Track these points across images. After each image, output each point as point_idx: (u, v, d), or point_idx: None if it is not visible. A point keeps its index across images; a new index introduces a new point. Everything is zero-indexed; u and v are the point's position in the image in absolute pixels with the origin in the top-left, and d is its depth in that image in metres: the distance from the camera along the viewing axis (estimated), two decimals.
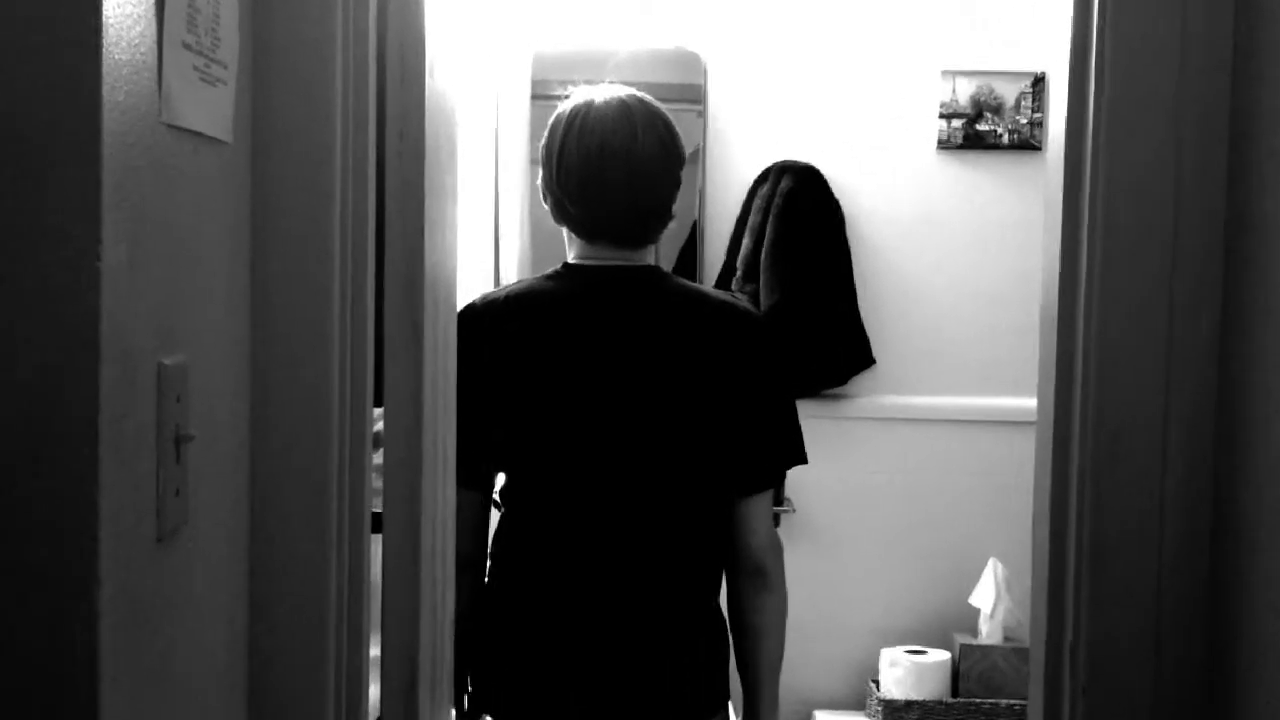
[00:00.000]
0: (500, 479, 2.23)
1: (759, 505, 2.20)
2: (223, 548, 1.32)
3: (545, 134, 2.21)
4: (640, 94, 2.21)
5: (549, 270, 2.22)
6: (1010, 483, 3.82)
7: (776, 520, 2.28)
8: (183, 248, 1.17)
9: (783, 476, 2.24)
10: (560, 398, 2.13)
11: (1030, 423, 1.84)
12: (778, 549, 2.23)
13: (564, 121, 2.18)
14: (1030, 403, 1.85)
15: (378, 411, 1.55)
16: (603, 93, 2.19)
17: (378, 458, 1.58)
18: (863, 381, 3.99)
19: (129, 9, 1.02)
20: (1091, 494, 1.63)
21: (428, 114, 1.55)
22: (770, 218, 3.85)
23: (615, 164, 2.13)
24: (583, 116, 2.16)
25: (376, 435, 1.57)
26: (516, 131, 3.64)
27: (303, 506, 1.39)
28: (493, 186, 3.53)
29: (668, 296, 2.18)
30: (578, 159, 2.14)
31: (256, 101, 1.36)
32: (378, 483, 1.56)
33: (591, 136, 2.14)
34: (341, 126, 1.40)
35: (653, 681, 2.13)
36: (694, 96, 3.90)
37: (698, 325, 2.16)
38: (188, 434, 1.16)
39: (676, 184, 2.20)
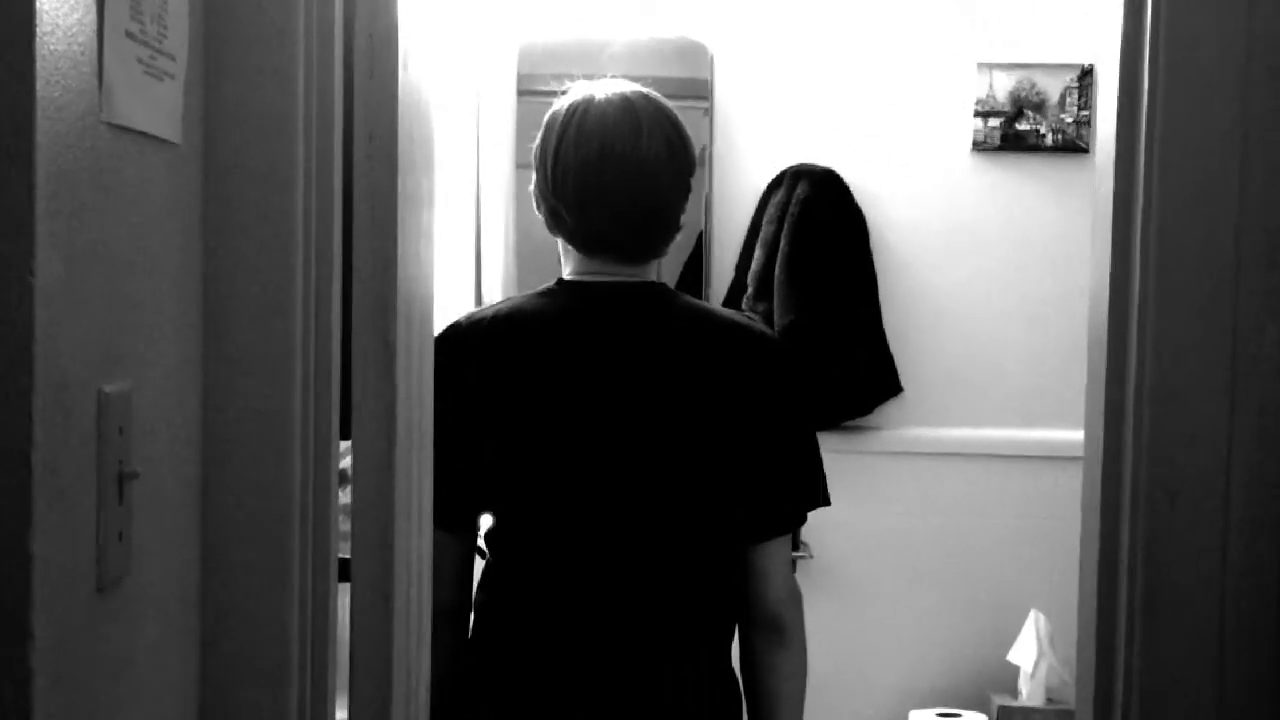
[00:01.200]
0: (486, 521, 2.23)
1: (776, 552, 2.19)
2: (172, 598, 1.31)
3: (539, 134, 2.21)
4: (646, 90, 2.20)
5: (541, 287, 2.22)
6: (1054, 526, 3.82)
7: (793, 567, 2.27)
8: (126, 261, 1.17)
9: (802, 520, 2.23)
10: (554, 429, 2.12)
11: (1076, 458, 1.83)
12: (796, 600, 2.22)
13: (560, 120, 2.17)
14: (1076, 435, 1.85)
15: (345, 444, 1.54)
16: (604, 89, 2.18)
17: (345, 497, 1.58)
18: (889, 411, 3.99)
19: None
20: (1145, 538, 1.63)
21: (401, 112, 1.55)
22: (785, 228, 3.86)
23: (617, 168, 2.12)
24: (581, 115, 2.15)
25: (343, 472, 1.57)
26: (501, 131, 3.65)
27: (261, 551, 1.39)
28: (474, 193, 3.54)
29: (674, 317, 2.18)
30: (575, 162, 2.14)
31: (209, 98, 1.36)
32: (345, 525, 1.55)
33: (591, 138, 2.13)
34: (304, 125, 1.40)
35: None
36: (699, 92, 3.91)
37: (707, 349, 2.15)
38: (132, 470, 1.15)
39: (686, 192, 2.20)
